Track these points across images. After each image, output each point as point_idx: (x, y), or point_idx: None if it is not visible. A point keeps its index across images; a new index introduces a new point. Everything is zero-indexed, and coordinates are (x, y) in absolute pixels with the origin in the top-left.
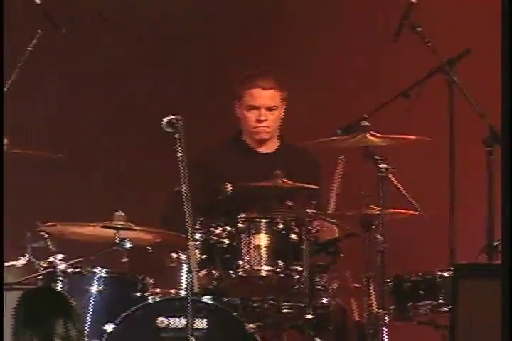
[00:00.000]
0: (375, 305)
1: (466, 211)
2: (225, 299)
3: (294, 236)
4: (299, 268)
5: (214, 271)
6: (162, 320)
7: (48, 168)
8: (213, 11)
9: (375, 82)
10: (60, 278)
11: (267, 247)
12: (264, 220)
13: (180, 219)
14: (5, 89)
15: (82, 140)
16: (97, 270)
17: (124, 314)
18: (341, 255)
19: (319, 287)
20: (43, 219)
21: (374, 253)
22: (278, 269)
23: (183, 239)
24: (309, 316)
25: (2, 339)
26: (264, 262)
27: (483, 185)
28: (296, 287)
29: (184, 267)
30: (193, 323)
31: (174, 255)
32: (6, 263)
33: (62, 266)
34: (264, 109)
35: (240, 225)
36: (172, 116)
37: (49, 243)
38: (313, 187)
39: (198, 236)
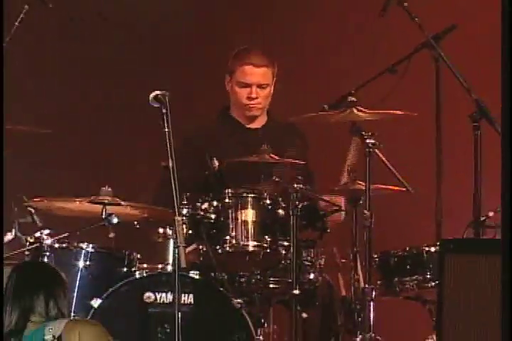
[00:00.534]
0: (361, 281)
1: (452, 186)
2: (212, 274)
3: (280, 211)
4: (286, 244)
5: (201, 246)
6: (149, 295)
7: (35, 144)
8: None
9: (362, 58)
10: (47, 253)
11: (254, 222)
12: (251, 195)
13: (169, 194)
14: None
15: (70, 115)
16: (83, 245)
17: (111, 289)
18: (328, 230)
19: (306, 262)
20: (29, 194)
21: (361, 228)
22: (265, 244)
23: (169, 214)
24: (296, 291)
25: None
26: (251, 237)
27: (469, 160)
28: (283, 262)
29: (171, 242)
30: (179, 298)
31: (161, 230)
32: None
33: (48, 241)
34: (256, 87)
35: (226, 200)
36: (159, 92)
37: (36, 218)
38: (300, 162)
39: (184, 211)
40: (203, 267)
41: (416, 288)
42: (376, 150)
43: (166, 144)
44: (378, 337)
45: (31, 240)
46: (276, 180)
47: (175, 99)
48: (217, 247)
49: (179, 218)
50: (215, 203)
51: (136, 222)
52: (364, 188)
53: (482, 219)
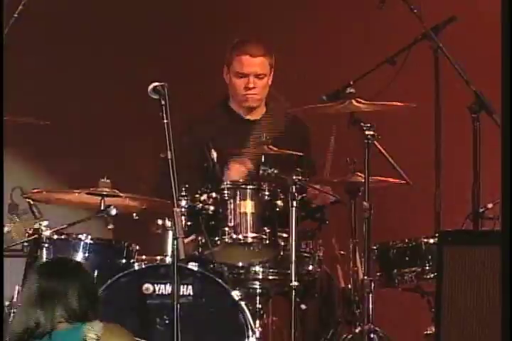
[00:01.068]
0: (360, 272)
1: (451, 178)
2: (211, 266)
3: (279, 202)
4: (285, 235)
5: (200, 238)
6: (148, 287)
7: (34, 135)
8: None
9: (361, 49)
10: (46, 245)
11: (253, 214)
12: (249, 187)
13: (168, 186)
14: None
15: (69, 107)
16: (82, 237)
17: (110, 281)
18: (327, 222)
19: (305, 254)
20: (28, 185)
21: (360, 220)
22: (264, 236)
23: (168, 205)
24: (295, 283)
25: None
26: (250, 229)
27: (468, 151)
28: (282, 254)
29: (170, 234)
30: (178, 290)
31: (160, 222)
32: None
33: (47, 233)
34: (253, 77)
35: (225, 192)
36: (158, 83)
37: (34, 209)
38: (299, 154)
39: (183, 202)
40: (201, 258)
41: (415, 279)
42: (375, 142)
43: (165, 135)
44: (377, 329)
45: (30, 231)
46: (275, 172)
47: (174, 91)
48: (216, 239)
49: (178, 209)
50: (213, 194)
51: (134, 214)
52: (363, 180)
53: (481, 210)
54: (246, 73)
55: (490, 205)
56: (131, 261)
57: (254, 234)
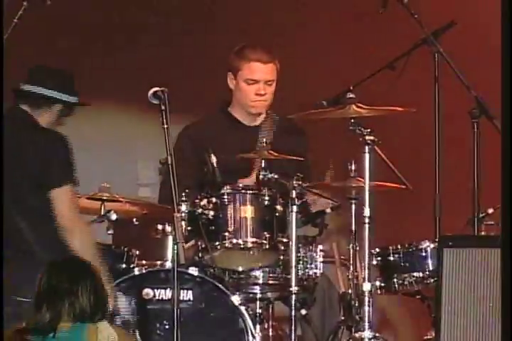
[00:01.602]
0: (360, 277)
1: (451, 183)
2: (211, 271)
3: (279, 207)
4: (285, 240)
5: (200, 243)
6: (148, 292)
7: None
8: None
9: (361, 54)
10: None
11: (253, 219)
12: (249, 192)
13: (168, 192)
14: None
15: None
16: None
17: None
18: (328, 227)
19: (305, 259)
20: None
21: (360, 225)
22: (264, 241)
23: (168, 210)
24: (295, 288)
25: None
26: (250, 234)
27: (468, 156)
28: (282, 258)
29: (170, 239)
30: (178, 295)
31: (160, 227)
32: None
33: None
34: (263, 83)
35: (225, 197)
36: (158, 88)
37: None
38: (299, 159)
39: (183, 207)
40: (201, 263)
41: (415, 284)
42: (375, 147)
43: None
44: (377, 334)
45: None
46: (275, 177)
47: (174, 97)
48: (216, 243)
49: (178, 215)
50: (213, 199)
51: (135, 219)
52: (363, 185)
53: (481, 216)
54: (257, 80)
55: (490, 210)
56: (131, 266)
57: (254, 239)
